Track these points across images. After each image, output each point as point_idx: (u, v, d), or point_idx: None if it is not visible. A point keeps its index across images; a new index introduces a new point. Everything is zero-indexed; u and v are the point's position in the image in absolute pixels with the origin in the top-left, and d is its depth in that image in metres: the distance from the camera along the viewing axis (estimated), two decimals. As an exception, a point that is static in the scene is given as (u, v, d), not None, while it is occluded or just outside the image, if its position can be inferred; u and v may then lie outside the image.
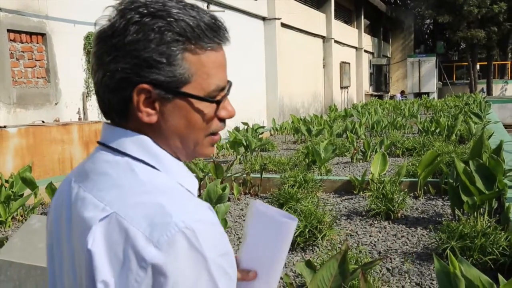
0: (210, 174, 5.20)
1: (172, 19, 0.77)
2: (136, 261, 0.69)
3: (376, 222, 3.78)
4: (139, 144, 0.80)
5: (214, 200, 3.77)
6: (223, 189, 3.77)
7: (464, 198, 3.24)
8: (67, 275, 0.82)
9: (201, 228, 0.71)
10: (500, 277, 1.61)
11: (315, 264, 2.34)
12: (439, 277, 1.62)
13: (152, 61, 0.76)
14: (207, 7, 10.58)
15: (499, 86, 29.39)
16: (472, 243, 2.64)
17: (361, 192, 4.69)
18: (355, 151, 6.94)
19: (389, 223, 3.73)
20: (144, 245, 0.69)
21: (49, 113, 7.15)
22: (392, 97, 25.25)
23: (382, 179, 4.26)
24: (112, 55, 0.77)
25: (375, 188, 4.12)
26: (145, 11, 0.77)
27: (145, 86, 0.77)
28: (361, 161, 6.81)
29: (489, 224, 2.91)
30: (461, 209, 3.38)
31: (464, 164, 3.43)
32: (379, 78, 28.93)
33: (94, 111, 8.03)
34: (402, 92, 26.34)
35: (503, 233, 2.73)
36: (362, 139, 8.41)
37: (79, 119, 7.68)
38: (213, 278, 0.72)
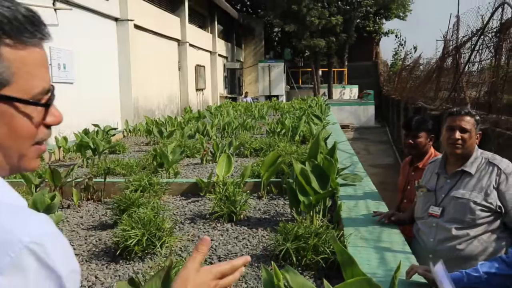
0: (47, 180, 4.69)
1: None
2: None
3: (219, 225, 3.73)
4: None
5: (41, 211, 3.36)
6: (52, 198, 3.38)
7: (301, 198, 3.34)
8: None
9: (49, 241, 0.59)
10: (326, 282, 1.61)
11: (141, 281, 2.16)
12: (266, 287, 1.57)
13: None
14: (53, 4, 9.66)
15: (338, 90, 32.38)
16: (306, 244, 2.70)
17: (208, 194, 4.62)
18: (205, 153, 6.91)
19: (231, 225, 3.71)
20: None
21: None
22: (234, 99, 25.80)
23: (226, 181, 4.24)
24: None
25: (219, 190, 4.08)
26: None
27: None
28: (211, 162, 6.80)
29: (322, 224, 3.02)
30: (299, 209, 3.48)
31: (302, 164, 3.55)
32: (233, 81, 29.74)
33: None
34: (246, 94, 27.17)
35: (333, 232, 2.86)
36: (213, 140, 8.43)
37: None
38: None
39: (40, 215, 0.65)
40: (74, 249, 3.31)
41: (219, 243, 3.31)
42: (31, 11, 0.70)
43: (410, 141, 3.46)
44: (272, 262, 1.70)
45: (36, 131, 0.71)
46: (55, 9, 9.67)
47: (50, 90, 0.73)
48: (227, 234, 3.52)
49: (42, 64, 0.71)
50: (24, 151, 0.70)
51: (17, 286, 0.55)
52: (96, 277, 2.86)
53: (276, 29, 36.80)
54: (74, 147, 7.32)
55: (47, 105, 0.72)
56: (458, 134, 2.59)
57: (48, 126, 0.74)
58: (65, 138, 7.61)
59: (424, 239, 2.71)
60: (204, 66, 22.40)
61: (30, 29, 0.68)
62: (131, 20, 13.34)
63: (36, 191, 4.35)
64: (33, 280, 0.56)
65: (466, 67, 8.92)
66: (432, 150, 3.59)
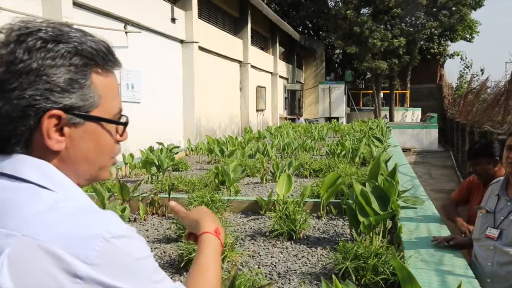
0: (116, 194, 4.97)
1: (76, 43, 0.77)
2: (69, 278, 0.65)
3: (278, 242, 3.80)
4: (41, 170, 0.76)
5: (113, 221, 3.60)
6: (123, 210, 3.61)
7: (361, 218, 3.35)
8: None
9: (126, 235, 0.72)
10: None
11: None
12: (326, 299, 1.63)
13: (64, 86, 0.75)
14: (124, 27, 10.31)
15: (400, 113, 31.65)
16: (366, 263, 2.72)
17: (267, 213, 4.72)
18: (265, 172, 7.03)
19: (291, 243, 3.77)
20: (72, 262, 0.66)
21: None
22: (293, 120, 25.56)
23: (286, 200, 4.32)
24: (17, 82, 0.73)
25: (279, 209, 4.16)
26: (46, 36, 0.75)
27: (57, 112, 0.75)
28: (270, 181, 6.89)
29: (382, 244, 3.02)
30: (358, 229, 3.49)
31: (362, 185, 3.57)
32: (293, 102, 29.91)
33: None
34: (298, 116, 26.99)
35: (393, 248, 2.85)
36: (273, 160, 8.54)
37: None
38: (150, 275, 0.75)
39: (115, 216, 0.78)
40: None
41: (278, 260, 3.39)
42: (107, 43, 0.84)
43: (471, 169, 3.51)
44: (333, 276, 1.76)
45: (115, 146, 0.85)
46: (126, 32, 10.28)
47: (121, 110, 0.87)
48: (287, 251, 3.59)
49: (117, 88, 0.86)
50: (104, 163, 0.84)
51: (105, 273, 0.67)
52: None
53: (337, 51, 36.75)
54: (140, 164, 7.66)
55: (126, 124, 0.86)
56: None
57: (118, 142, 0.88)
58: (131, 155, 7.99)
59: (482, 263, 2.66)
60: (265, 87, 22.75)
61: (111, 58, 0.82)
62: (196, 42, 13.84)
63: (107, 204, 4.63)
64: (118, 267, 0.69)
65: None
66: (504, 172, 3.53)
